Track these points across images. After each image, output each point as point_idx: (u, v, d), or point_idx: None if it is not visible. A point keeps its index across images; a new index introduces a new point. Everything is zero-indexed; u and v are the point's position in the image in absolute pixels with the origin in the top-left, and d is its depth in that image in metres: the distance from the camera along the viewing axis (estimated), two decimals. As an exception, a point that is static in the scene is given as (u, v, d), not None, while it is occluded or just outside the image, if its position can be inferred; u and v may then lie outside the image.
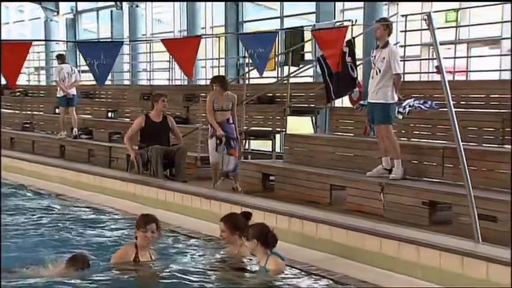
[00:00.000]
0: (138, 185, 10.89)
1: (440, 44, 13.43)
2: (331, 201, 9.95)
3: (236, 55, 19.06)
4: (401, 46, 12.51)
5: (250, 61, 11.08)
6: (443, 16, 13.92)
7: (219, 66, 19.45)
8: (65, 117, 16.79)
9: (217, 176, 10.99)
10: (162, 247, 7.58)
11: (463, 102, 10.77)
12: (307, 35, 15.37)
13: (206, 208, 9.32)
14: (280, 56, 15.89)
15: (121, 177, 11.59)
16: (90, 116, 19.11)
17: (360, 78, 12.78)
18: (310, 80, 15.85)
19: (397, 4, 14.87)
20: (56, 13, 28.13)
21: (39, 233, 8.63)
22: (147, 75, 22.56)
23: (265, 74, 16.30)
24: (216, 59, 19.92)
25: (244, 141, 12.94)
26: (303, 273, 6.59)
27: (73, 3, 27.62)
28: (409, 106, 10.72)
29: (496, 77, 12.49)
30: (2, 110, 21.15)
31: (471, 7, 13.30)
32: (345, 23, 13.13)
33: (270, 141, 13.34)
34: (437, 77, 8.78)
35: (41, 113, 20.95)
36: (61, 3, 27.98)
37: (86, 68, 8.07)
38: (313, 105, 13.41)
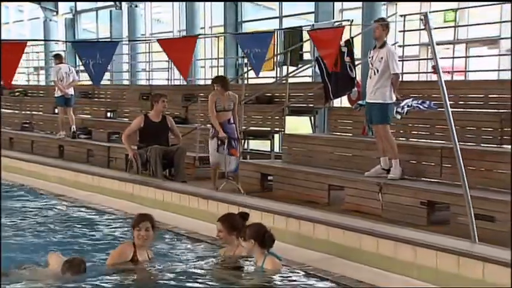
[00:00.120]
0: (136, 185, 10.88)
1: (439, 44, 13.44)
2: (329, 201, 9.96)
3: (235, 55, 19.05)
4: (400, 46, 12.51)
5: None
6: (441, 16, 13.92)
7: (218, 66, 19.45)
8: (63, 117, 16.81)
9: (217, 177, 10.99)
10: (160, 247, 7.57)
11: (462, 102, 10.78)
12: (306, 35, 15.36)
13: (204, 208, 9.31)
14: (278, 56, 15.88)
15: (119, 177, 11.58)
16: (89, 116, 19.11)
17: (358, 78, 12.77)
18: (309, 80, 15.84)
19: (396, 4, 14.86)
20: (55, 13, 28.14)
21: (36, 233, 8.61)
22: (146, 75, 22.54)
23: (264, 74, 16.36)
24: (215, 59, 19.92)
25: (243, 141, 12.93)
26: (299, 273, 6.57)
27: (72, 3, 27.63)
28: (408, 106, 10.72)
29: (495, 77, 12.48)
30: (2, 110, 21.14)
31: (469, 7, 13.29)
32: (344, 23, 13.13)
33: (269, 141, 13.33)
34: (435, 77, 8.76)
35: (40, 113, 20.96)
36: (60, 3, 27.99)
37: (85, 67, 8.07)
38: (311, 105, 13.40)
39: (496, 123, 9.58)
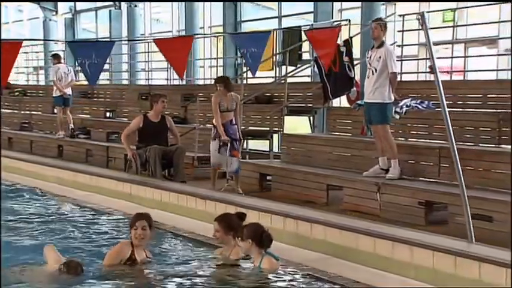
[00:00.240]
0: (134, 185, 10.87)
1: (438, 43, 13.47)
2: (328, 201, 9.96)
3: (234, 55, 19.05)
4: (399, 46, 12.51)
5: (248, 61, 11.08)
6: (440, 16, 13.93)
7: (217, 66, 19.45)
8: (62, 117, 16.82)
9: (216, 177, 10.98)
10: (158, 247, 7.56)
11: (460, 102, 10.79)
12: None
13: (201, 208, 9.30)
14: (277, 56, 15.87)
15: (117, 177, 11.57)
16: (88, 116, 19.12)
17: (357, 78, 12.77)
18: (308, 79, 15.85)
19: (395, 4, 14.86)
20: (54, 13, 28.16)
21: (34, 233, 8.60)
22: (145, 75, 22.54)
23: (263, 73, 16.40)
24: (214, 58, 19.92)
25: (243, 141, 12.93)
26: (297, 273, 6.56)
27: (72, 3, 27.65)
28: (406, 106, 10.72)
29: (493, 77, 12.49)
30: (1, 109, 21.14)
31: (468, 7, 13.29)
32: (342, 23, 13.14)
33: (268, 141, 13.32)
34: (434, 77, 8.77)
35: (39, 112, 20.96)
36: (60, 3, 28.02)
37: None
38: (310, 105, 13.41)
39: (494, 123, 9.59)
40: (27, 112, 21.46)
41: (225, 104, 10.71)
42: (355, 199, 9.44)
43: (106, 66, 23.53)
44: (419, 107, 10.73)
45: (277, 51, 15.81)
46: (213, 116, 10.86)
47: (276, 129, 13.25)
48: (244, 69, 15.61)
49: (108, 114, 18.88)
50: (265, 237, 6.49)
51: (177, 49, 7.68)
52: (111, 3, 24.89)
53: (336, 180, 9.96)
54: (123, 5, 24.17)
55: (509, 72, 11.64)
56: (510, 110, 9.42)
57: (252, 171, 11.47)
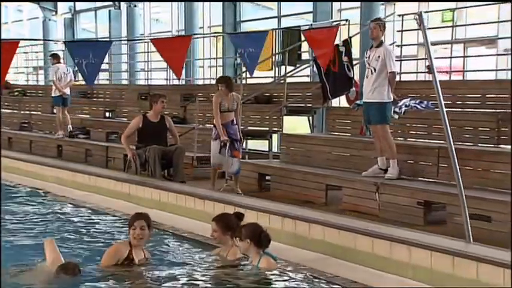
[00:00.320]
0: (132, 184, 10.86)
1: (437, 43, 13.46)
2: (327, 201, 9.96)
3: (234, 55, 19.05)
4: (398, 46, 12.51)
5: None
6: (439, 16, 13.93)
7: (216, 66, 19.44)
8: (61, 116, 16.82)
9: (216, 177, 10.96)
10: (156, 247, 7.55)
11: (459, 102, 10.78)
12: (305, 34, 15.38)
13: (200, 208, 9.29)
14: (277, 56, 15.87)
15: (115, 177, 11.55)
16: (87, 116, 19.11)
17: (356, 77, 12.77)
18: (307, 79, 15.85)
19: (394, 4, 14.86)
20: (54, 13, 28.17)
21: (32, 233, 8.59)
22: (145, 75, 22.55)
23: (262, 73, 16.40)
24: (214, 58, 19.92)
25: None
26: (295, 273, 6.56)
27: (71, 3, 27.66)
28: (405, 106, 10.71)
29: (493, 77, 12.49)
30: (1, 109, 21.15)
31: (467, 7, 13.29)
32: (341, 23, 13.13)
33: (267, 141, 13.31)
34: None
35: (39, 112, 20.96)
36: (59, 3, 28.02)
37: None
38: (309, 105, 13.41)
39: (493, 123, 9.59)
40: (27, 112, 21.46)
41: (226, 104, 10.70)
42: (354, 199, 9.43)
43: (106, 66, 23.66)
44: (419, 107, 10.72)
45: (277, 51, 15.79)
46: (214, 116, 10.85)
47: (275, 129, 13.25)
48: (243, 69, 15.61)
49: (107, 114, 18.88)
50: (263, 237, 6.49)
51: (174, 49, 7.67)
52: (110, 3, 24.90)
53: (335, 180, 9.96)
54: (123, 5, 24.17)
55: (508, 72, 11.64)
56: (509, 110, 9.41)
57: (251, 171, 11.46)
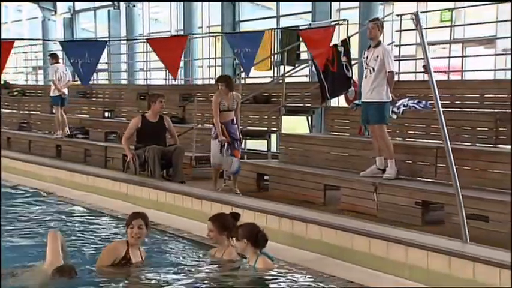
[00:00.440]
0: (130, 185, 10.85)
1: (435, 43, 13.43)
2: (325, 201, 9.94)
3: (232, 55, 19.02)
4: (397, 46, 12.50)
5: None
6: (438, 16, 13.92)
7: (215, 66, 19.43)
8: (59, 116, 16.83)
9: (218, 177, 10.95)
10: (153, 247, 7.55)
11: (458, 102, 10.77)
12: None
13: (197, 208, 9.28)
14: (275, 56, 15.86)
15: (113, 177, 11.55)
16: (86, 116, 19.10)
17: (355, 77, 12.76)
18: (306, 79, 15.83)
19: (393, 4, 14.86)
20: (53, 13, 28.18)
21: (30, 233, 8.59)
22: (144, 75, 22.54)
23: (261, 73, 16.39)
24: (213, 58, 19.91)
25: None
26: (292, 273, 6.55)
27: (70, 3, 27.66)
28: (404, 106, 10.70)
29: (491, 77, 12.48)
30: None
31: (466, 7, 13.28)
32: (340, 23, 13.14)
33: (265, 141, 13.31)
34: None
35: (38, 112, 20.96)
36: (58, 3, 28.03)
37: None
38: (308, 104, 13.41)
39: (492, 123, 9.57)
40: (26, 112, 21.45)
41: (226, 104, 10.69)
42: (352, 199, 9.42)
43: (105, 66, 23.67)
44: (417, 106, 10.71)
45: (275, 51, 15.78)
46: (213, 116, 10.84)
47: (274, 129, 13.23)
48: (242, 69, 15.60)
49: (106, 114, 18.87)
50: (260, 237, 6.48)
51: (171, 49, 7.67)
52: (109, 3, 24.90)
53: (333, 180, 9.95)
54: (122, 4, 24.17)
55: (507, 72, 11.63)
56: (508, 110, 9.40)
57: (250, 171, 11.45)
